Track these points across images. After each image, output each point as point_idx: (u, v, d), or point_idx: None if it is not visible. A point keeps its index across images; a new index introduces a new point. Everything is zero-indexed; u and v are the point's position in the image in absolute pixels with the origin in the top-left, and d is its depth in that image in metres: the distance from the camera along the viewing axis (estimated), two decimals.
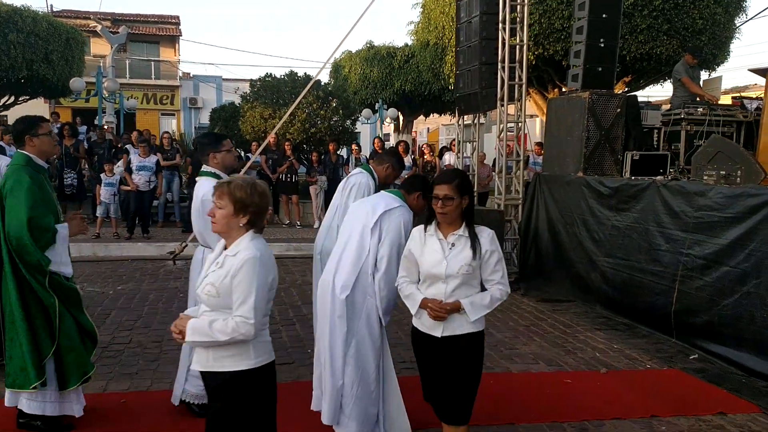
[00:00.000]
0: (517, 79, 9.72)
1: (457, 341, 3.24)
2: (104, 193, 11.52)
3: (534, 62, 13.97)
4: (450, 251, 3.25)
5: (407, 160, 14.35)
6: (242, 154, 15.28)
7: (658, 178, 7.42)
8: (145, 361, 5.55)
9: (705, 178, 6.80)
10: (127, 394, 4.78)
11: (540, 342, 6.39)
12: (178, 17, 36.45)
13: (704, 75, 14.93)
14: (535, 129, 21.53)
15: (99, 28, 18.59)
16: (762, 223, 5.63)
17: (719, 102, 9.31)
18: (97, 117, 18.18)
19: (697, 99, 9.21)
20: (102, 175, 11.67)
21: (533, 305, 7.99)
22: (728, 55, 14.84)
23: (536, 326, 6.99)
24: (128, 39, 33.61)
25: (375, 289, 3.81)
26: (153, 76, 35.09)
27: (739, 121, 8.94)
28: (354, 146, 15.01)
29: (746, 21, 14.53)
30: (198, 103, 34.73)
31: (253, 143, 14.48)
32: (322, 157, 14.38)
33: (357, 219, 3.98)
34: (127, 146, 13.27)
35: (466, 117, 11.37)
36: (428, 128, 38.40)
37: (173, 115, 35.23)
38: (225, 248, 2.90)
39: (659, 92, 48.24)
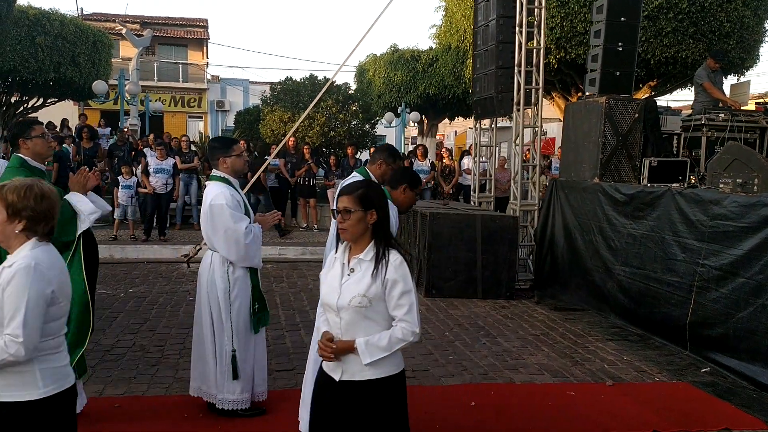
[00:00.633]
0: (534, 83, 9.58)
1: (357, 388, 2.69)
2: (122, 195, 11.62)
3: (556, 66, 13.83)
4: (347, 278, 2.75)
5: (425, 163, 14.29)
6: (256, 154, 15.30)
7: (674, 185, 7.24)
8: (145, 365, 5.54)
9: (721, 186, 6.62)
10: (121, 399, 4.77)
11: (548, 352, 6.25)
12: (206, 20, 36.81)
13: (732, 79, 14.64)
14: (560, 134, 21.28)
15: (124, 31, 18.81)
16: None
17: (742, 107, 9.05)
18: (120, 120, 18.40)
19: (720, 104, 8.98)
20: (119, 178, 11.77)
21: (546, 313, 7.85)
22: (757, 59, 14.50)
23: (546, 335, 6.85)
24: (156, 42, 34.18)
25: None
26: (181, 79, 35.44)
27: (763, 127, 8.68)
28: (373, 149, 14.94)
29: None
30: (225, 106, 35.00)
31: (273, 146, 14.50)
32: (341, 160, 14.36)
33: None
34: (145, 149, 13.40)
35: (484, 121, 11.26)
36: (455, 131, 38.24)
37: (200, 117, 35.54)
38: None
39: (687, 96, 47.33)
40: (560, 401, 4.99)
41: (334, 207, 2.82)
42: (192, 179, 13.22)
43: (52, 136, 13.80)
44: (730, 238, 5.90)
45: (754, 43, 13.94)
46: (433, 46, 20.32)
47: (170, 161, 12.04)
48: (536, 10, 9.53)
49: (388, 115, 21.37)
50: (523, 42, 9.35)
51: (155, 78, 34.26)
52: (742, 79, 14.64)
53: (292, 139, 13.70)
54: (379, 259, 2.71)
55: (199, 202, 13.45)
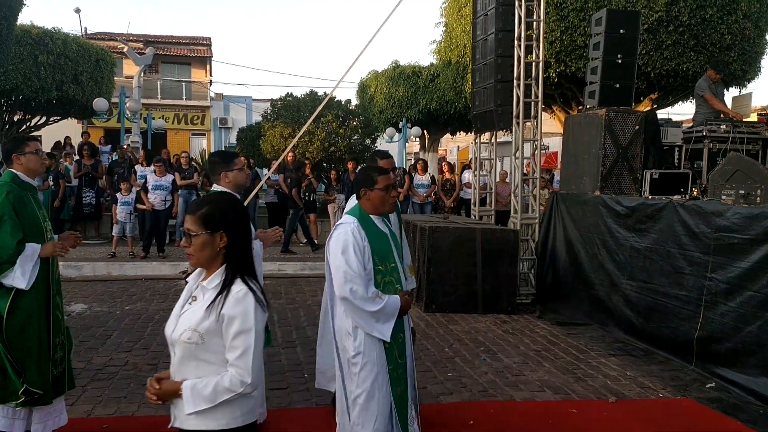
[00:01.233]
0: (533, 97, 9.51)
1: None
2: (120, 212, 11.56)
3: (556, 80, 13.78)
4: (188, 307, 2.38)
5: (426, 177, 14.21)
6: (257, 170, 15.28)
7: (676, 197, 7.13)
8: (137, 384, 5.42)
9: (723, 197, 6.52)
10: (110, 419, 4.66)
11: (549, 368, 6.12)
12: (209, 39, 37.01)
13: (734, 92, 14.58)
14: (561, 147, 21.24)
15: (125, 48, 18.86)
16: None
17: (744, 119, 8.96)
18: (120, 137, 18.41)
19: (721, 116, 8.89)
20: (117, 194, 11.72)
21: (547, 328, 7.72)
22: (759, 71, 14.44)
23: (548, 351, 6.73)
24: (160, 60, 34.35)
25: None
26: (184, 97, 35.57)
27: (765, 138, 8.59)
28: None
29: None
30: (228, 123, 35.08)
31: (273, 162, 14.46)
32: (341, 175, 14.29)
33: None
34: (136, 166, 13.37)
35: (484, 135, 11.19)
36: (458, 146, 38.22)
37: (204, 135, 35.63)
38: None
39: (689, 109, 47.29)
40: (561, 419, 4.85)
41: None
42: (192, 196, 13.15)
43: (61, 154, 13.91)
44: (736, 251, 5.78)
45: (756, 55, 13.88)
46: (434, 62, 20.32)
47: (169, 177, 11.98)
48: (535, 23, 9.49)
49: (390, 130, 21.34)
50: (522, 55, 9.30)
51: (158, 96, 34.41)
52: (744, 91, 14.59)
53: (291, 154, 13.65)
54: (222, 289, 2.30)
55: None
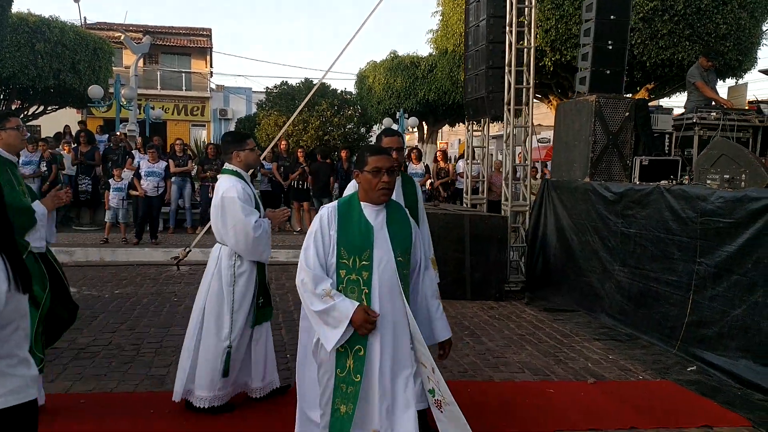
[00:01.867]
0: (524, 83, 9.49)
1: None
2: (112, 197, 11.57)
3: (552, 68, 13.76)
4: None
5: (420, 166, 14.19)
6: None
7: (663, 182, 7.12)
8: (118, 363, 5.45)
9: (708, 182, 6.51)
10: (87, 395, 4.68)
11: (531, 351, 6.13)
12: (209, 30, 36.95)
13: (730, 82, 14.54)
14: None
15: (122, 37, 18.85)
16: (766, 228, 5.33)
17: (734, 107, 8.93)
18: (116, 124, 18.42)
19: (712, 103, 8.87)
20: (110, 181, 11.73)
21: (534, 314, 7.72)
22: (755, 61, 14.40)
23: (532, 335, 6.73)
24: (160, 51, 34.32)
25: None
26: (184, 88, 35.56)
27: (755, 126, 8.57)
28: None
29: None
30: (228, 115, 35.08)
31: (267, 150, 14.45)
32: (335, 164, 14.28)
33: None
34: (133, 151, 13.38)
35: (477, 124, 11.17)
36: (459, 139, 38.19)
37: (203, 126, 35.62)
38: None
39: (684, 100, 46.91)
40: (538, 399, 4.86)
41: None
42: (186, 183, 13.18)
43: (59, 143, 13.89)
44: (722, 235, 5.77)
45: (751, 45, 13.83)
46: (432, 52, 20.29)
47: (162, 164, 11.99)
48: (526, 9, 9.45)
49: (387, 120, 21.33)
50: (513, 41, 9.27)
51: (158, 86, 34.40)
52: (741, 81, 14.54)
53: (284, 142, 13.64)
54: None
55: (194, 206, 13.43)
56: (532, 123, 9.74)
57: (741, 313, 5.49)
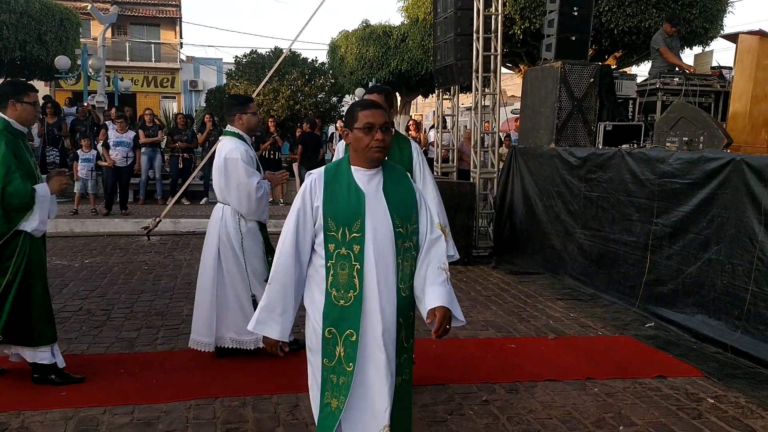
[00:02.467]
0: (492, 50, 9.55)
1: None
2: (81, 168, 11.47)
3: (521, 37, 13.82)
4: None
5: None
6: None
7: (624, 146, 7.27)
8: (89, 327, 5.51)
9: (668, 144, 6.67)
10: None
11: (496, 311, 6.29)
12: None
13: (697, 49, 14.73)
14: None
15: (89, 7, 18.48)
16: (721, 187, 5.50)
17: (697, 72, 9.10)
18: (84, 96, 18.16)
19: (675, 69, 9.02)
20: (79, 151, 11.63)
21: (500, 277, 7.89)
22: (721, 29, 14.58)
23: (497, 296, 6.90)
24: (128, 22, 33.70)
25: None
26: (153, 59, 35.04)
27: (717, 91, 8.75)
28: (339, 123, 14.88)
29: None
30: (198, 86, 34.68)
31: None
32: (304, 132, 14.25)
33: None
34: (106, 122, 13.24)
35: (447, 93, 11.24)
36: (434, 111, 38.15)
37: (174, 97, 35.20)
38: None
39: None
40: (499, 352, 5.03)
41: None
42: (156, 153, 13.09)
43: None
44: (678, 195, 5.94)
45: (717, 12, 14.00)
46: (404, 21, 20.19)
47: (130, 134, 11.90)
48: None
49: (359, 90, 21.22)
50: (481, 8, 9.30)
51: (127, 58, 33.86)
52: (707, 49, 14.74)
53: None
54: None
55: (164, 177, 13.37)
56: (500, 91, 9.83)
57: (695, 271, 5.68)
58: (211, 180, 13.98)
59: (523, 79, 9.81)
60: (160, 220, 9.56)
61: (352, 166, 2.72)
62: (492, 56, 9.57)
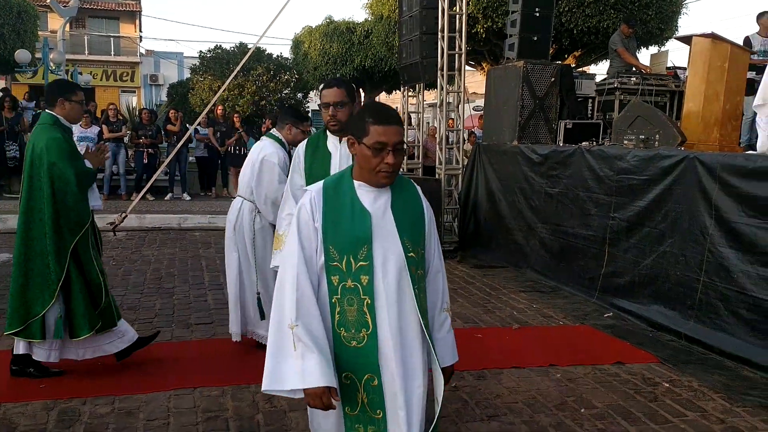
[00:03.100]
0: (457, 49, 9.75)
1: None
2: None
3: (484, 35, 14.07)
4: None
5: None
6: (188, 126, 15.16)
7: (584, 144, 7.55)
8: None
9: (625, 142, 6.95)
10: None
11: (462, 302, 6.50)
12: None
13: (653, 49, 15.18)
14: None
15: (49, 0, 18.19)
16: (675, 183, 5.78)
17: (653, 72, 9.44)
18: (43, 91, 17.87)
19: (633, 69, 9.34)
20: None
21: (466, 270, 8.11)
22: (676, 29, 15.04)
23: (463, 289, 7.11)
24: (87, 15, 33.12)
25: None
26: (113, 53, 34.52)
27: (672, 90, 9.10)
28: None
29: None
30: (159, 80, 34.30)
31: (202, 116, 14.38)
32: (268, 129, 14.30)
33: None
34: None
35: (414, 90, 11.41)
36: (397, 107, 38.33)
37: (134, 92, 34.75)
38: None
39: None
40: (466, 342, 5.21)
41: None
42: (120, 149, 13.01)
43: None
44: (635, 191, 6.21)
45: (672, 14, 14.45)
46: (368, 18, 20.31)
47: (94, 129, 11.83)
48: None
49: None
50: (446, 7, 9.48)
51: (86, 51, 33.30)
52: (663, 49, 15.21)
53: (220, 107, 13.60)
54: None
55: (128, 172, 13.30)
56: (465, 89, 10.04)
57: (651, 263, 5.97)
58: (177, 176, 13.85)
59: (486, 78, 10.05)
60: (126, 216, 9.53)
61: (355, 182, 2.33)
62: (456, 55, 9.76)
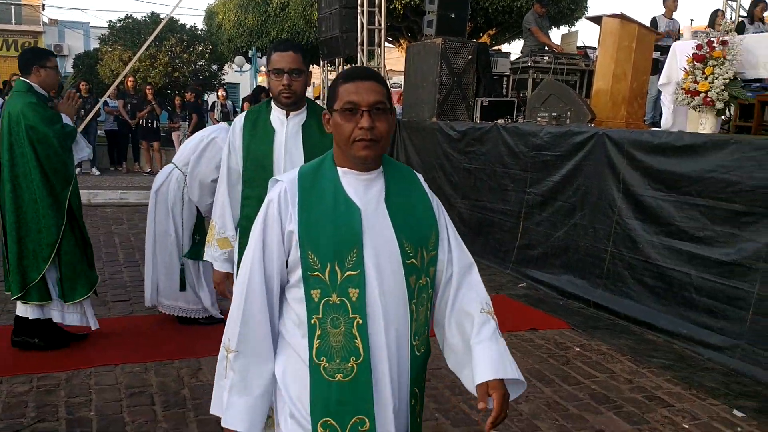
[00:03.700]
0: (376, 24, 9.78)
1: None
2: None
3: (402, 12, 14.13)
4: None
5: None
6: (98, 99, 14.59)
7: (500, 121, 7.76)
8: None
9: (539, 119, 7.20)
10: None
11: None
12: None
13: (564, 29, 15.67)
14: None
15: None
16: (585, 159, 6.04)
17: (565, 52, 9.77)
18: None
19: (545, 48, 9.63)
20: None
21: None
22: (585, 9, 15.59)
23: None
24: None
25: None
26: (14, 21, 32.51)
27: (582, 69, 9.46)
28: (221, 92, 14.64)
29: None
30: (63, 51, 32.49)
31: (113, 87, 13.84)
32: (186, 102, 13.95)
33: None
34: None
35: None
36: (314, 82, 37.91)
37: None
38: None
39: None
40: None
41: None
42: None
43: None
44: (549, 167, 6.45)
45: None
46: None
47: None
48: None
49: (239, 59, 20.85)
50: None
51: None
52: (573, 29, 15.73)
53: (131, 79, 13.13)
54: None
55: None
56: (384, 64, 10.10)
57: (563, 235, 6.25)
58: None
59: (405, 54, 10.13)
60: None
61: (339, 169, 1.82)
62: (376, 30, 9.81)
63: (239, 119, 2.97)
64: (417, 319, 1.83)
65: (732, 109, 6.08)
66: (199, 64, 15.82)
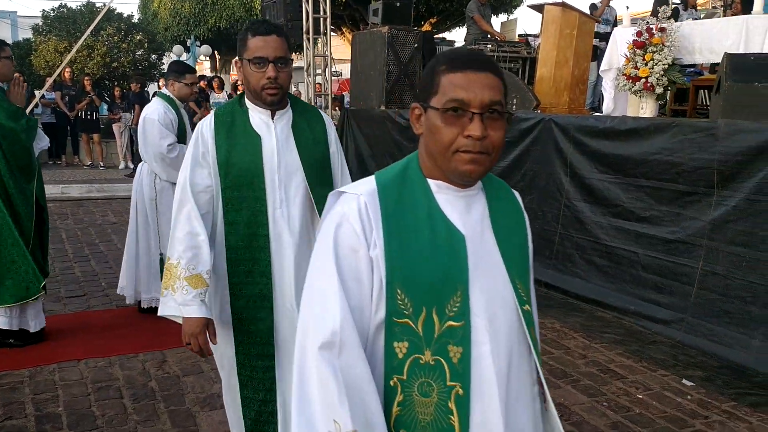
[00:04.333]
0: (321, 13, 9.78)
1: None
2: None
3: (345, 0, 14.13)
4: None
5: (222, 96, 14.05)
6: (34, 91, 14.12)
7: None
8: None
9: None
10: None
11: None
12: None
13: (503, 17, 15.96)
14: None
15: None
16: (533, 144, 6.22)
17: (507, 39, 9.98)
18: None
19: (488, 36, 9.82)
20: None
21: None
22: None
23: None
24: None
25: None
26: None
27: (524, 57, 9.68)
28: (162, 82, 14.33)
29: None
30: None
31: (47, 79, 13.42)
32: (126, 92, 13.64)
33: None
34: None
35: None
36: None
37: None
38: None
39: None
40: None
41: None
42: None
43: None
44: None
45: None
46: None
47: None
48: None
49: (177, 48, 20.41)
50: None
51: None
52: (512, 17, 16.03)
53: (68, 69, 12.75)
54: None
55: None
56: (331, 52, 10.11)
57: None
58: None
59: (352, 43, 10.16)
60: None
61: (430, 182, 1.38)
62: (321, 18, 9.80)
63: (206, 124, 2.35)
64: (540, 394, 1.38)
65: (669, 93, 6.37)
66: (138, 54, 15.46)
